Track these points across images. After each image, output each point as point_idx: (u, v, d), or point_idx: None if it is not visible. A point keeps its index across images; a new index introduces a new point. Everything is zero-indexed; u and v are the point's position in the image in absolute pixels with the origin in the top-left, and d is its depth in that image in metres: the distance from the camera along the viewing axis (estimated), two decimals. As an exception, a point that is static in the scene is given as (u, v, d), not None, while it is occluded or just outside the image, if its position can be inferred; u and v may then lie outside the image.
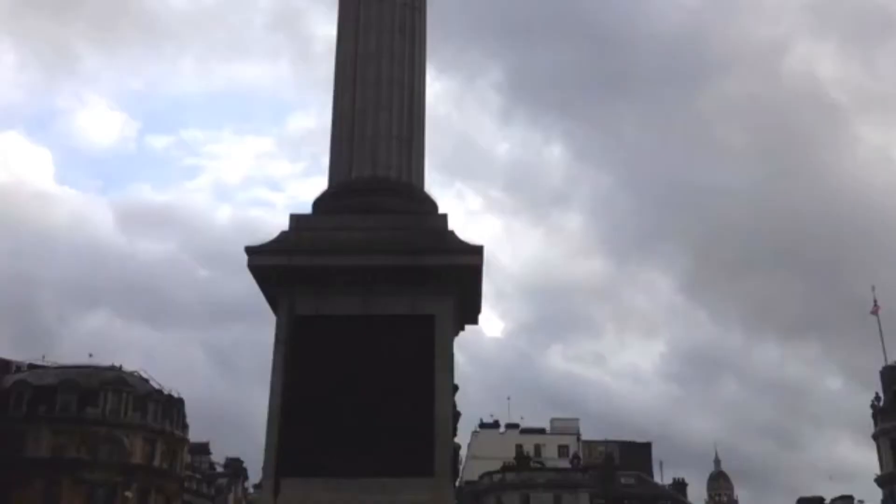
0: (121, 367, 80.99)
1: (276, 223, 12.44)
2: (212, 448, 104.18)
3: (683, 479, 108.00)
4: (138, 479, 76.19)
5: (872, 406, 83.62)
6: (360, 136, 12.75)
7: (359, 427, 11.24)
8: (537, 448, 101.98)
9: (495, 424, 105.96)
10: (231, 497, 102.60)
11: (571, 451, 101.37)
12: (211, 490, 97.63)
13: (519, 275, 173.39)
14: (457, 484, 12.52)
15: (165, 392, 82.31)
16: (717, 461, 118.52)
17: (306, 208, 12.64)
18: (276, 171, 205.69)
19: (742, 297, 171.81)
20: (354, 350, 11.57)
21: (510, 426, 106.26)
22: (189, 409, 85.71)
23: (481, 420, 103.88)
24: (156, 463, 78.92)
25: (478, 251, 11.93)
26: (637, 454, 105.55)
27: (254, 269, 11.81)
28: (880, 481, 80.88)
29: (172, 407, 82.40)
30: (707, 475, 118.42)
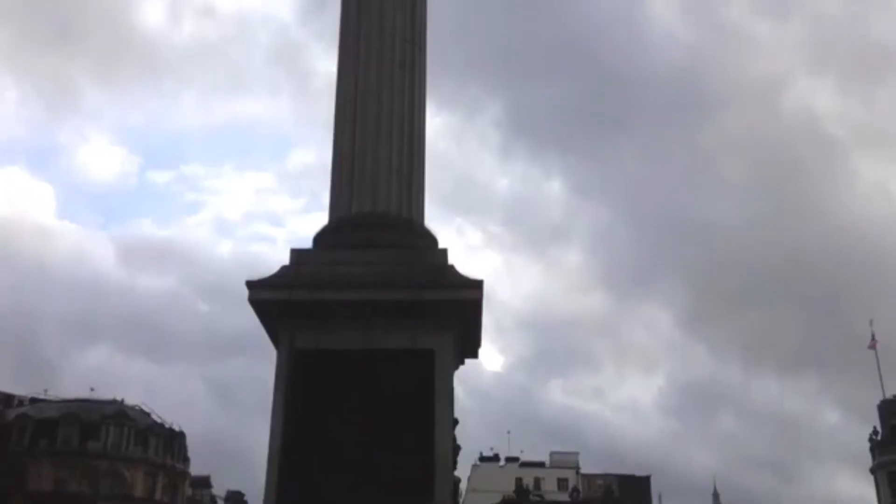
0: (122, 401, 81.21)
1: (276, 258, 12.56)
2: (213, 481, 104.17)
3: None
4: (139, 513, 76.07)
5: (870, 440, 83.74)
6: (360, 171, 12.87)
7: (359, 460, 11.30)
8: (537, 481, 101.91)
9: (495, 458, 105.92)
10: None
11: (571, 485, 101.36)
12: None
13: (519, 309, 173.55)
14: (456, 517, 12.56)
15: (167, 426, 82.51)
16: (715, 494, 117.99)
17: (307, 243, 12.75)
18: (277, 206, 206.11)
19: (740, 331, 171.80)
20: (355, 384, 11.64)
21: (510, 459, 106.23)
22: (190, 443, 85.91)
23: (481, 454, 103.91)
24: (157, 496, 78.94)
25: (478, 286, 12.02)
26: (636, 487, 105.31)
27: (254, 303, 11.91)
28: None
29: (174, 440, 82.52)
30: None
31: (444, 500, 11.27)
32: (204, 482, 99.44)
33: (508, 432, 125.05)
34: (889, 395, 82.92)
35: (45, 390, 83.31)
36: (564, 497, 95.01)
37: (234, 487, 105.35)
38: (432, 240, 12.91)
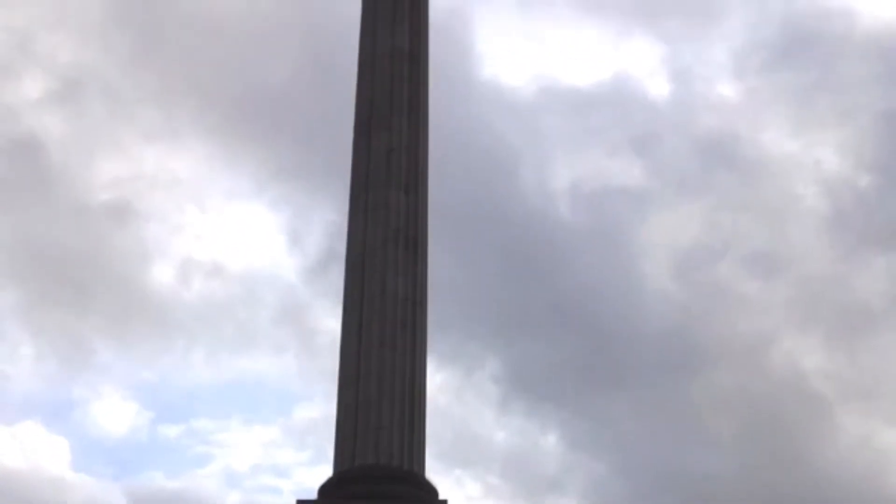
0: None
1: (283, 509, 12.87)
2: None
3: None
4: None
5: None
6: (363, 426, 13.22)
7: None
8: None
9: None
10: None
11: None
12: None
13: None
14: None
15: None
16: None
17: (312, 494, 13.05)
18: (283, 458, 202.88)
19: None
20: None
21: None
22: None
23: None
24: None
25: (478, 536, 12.30)
26: None
27: (261, 554, 12.15)
28: None
29: None
30: None
31: None
32: None
33: None
34: None
35: None
36: None
37: None
38: (433, 491, 13.20)
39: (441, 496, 13.10)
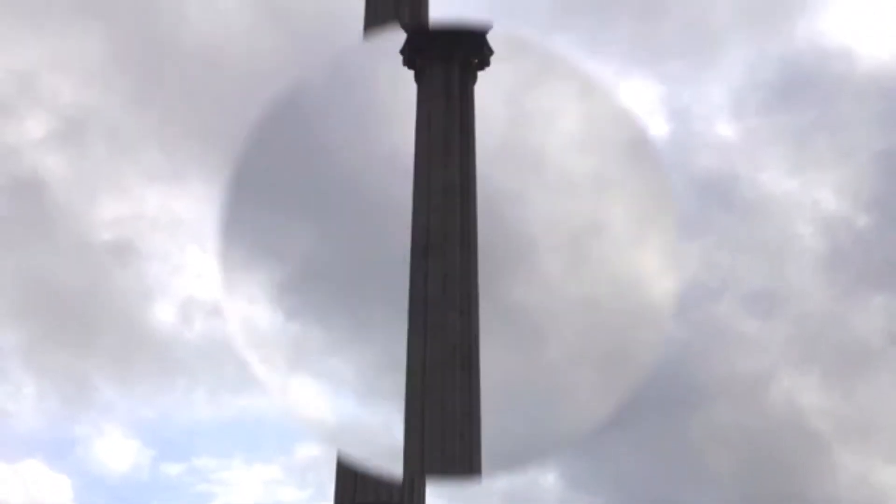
0: None
1: (284, 545, 13.02)
2: None
3: None
4: None
5: None
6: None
7: None
8: None
9: None
10: None
11: None
12: None
13: None
14: None
15: None
16: None
17: (313, 531, 13.18)
18: (285, 496, 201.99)
19: None
20: None
21: None
22: None
23: None
24: None
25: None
26: None
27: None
28: None
29: None
30: None
31: None
32: None
33: None
34: None
35: None
36: None
37: None
38: (432, 529, 13.35)
39: (441, 534, 13.24)
